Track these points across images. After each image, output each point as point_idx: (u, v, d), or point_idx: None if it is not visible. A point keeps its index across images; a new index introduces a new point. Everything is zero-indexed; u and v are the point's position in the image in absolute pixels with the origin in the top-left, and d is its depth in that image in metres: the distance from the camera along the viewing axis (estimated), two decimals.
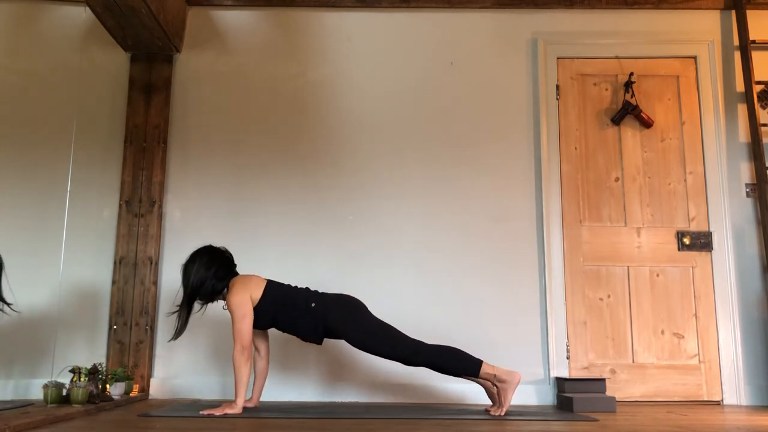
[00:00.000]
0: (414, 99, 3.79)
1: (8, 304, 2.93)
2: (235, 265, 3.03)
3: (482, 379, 2.86)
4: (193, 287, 2.89)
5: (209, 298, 2.95)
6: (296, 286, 3.02)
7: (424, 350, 2.85)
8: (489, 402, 3.18)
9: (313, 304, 2.91)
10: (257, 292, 2.90)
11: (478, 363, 2.83)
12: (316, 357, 3.51)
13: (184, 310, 2.91)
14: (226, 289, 2.94)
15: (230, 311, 2.86)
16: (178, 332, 2.91)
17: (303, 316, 2.90)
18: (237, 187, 3.70)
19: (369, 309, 2.98)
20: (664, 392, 3.48)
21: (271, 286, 2.94)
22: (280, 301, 2.91)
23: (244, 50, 3.85)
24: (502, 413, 2.80)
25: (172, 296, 3.55)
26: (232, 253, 3.06)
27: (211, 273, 2.90)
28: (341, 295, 3.02)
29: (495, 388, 2.86)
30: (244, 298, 2.86)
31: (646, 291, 3.59)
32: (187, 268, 2.93)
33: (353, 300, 2.99)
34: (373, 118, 3.77)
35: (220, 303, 3.04)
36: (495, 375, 2.82)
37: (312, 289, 3.03)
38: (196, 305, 2.96)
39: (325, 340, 3.08)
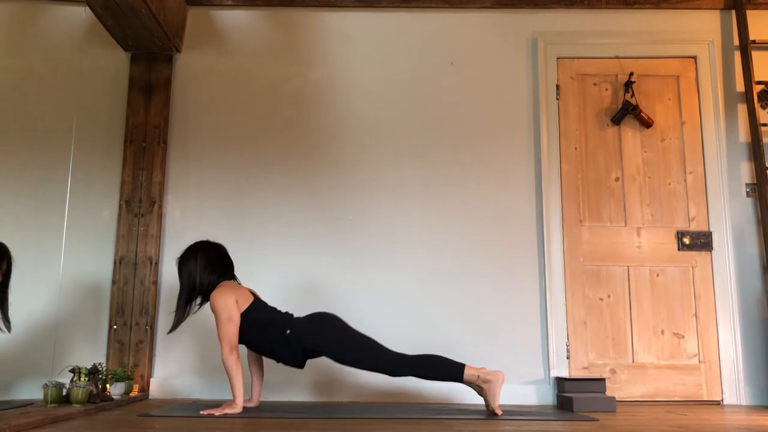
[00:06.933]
0: (414, 99, 3.79)
1: (8, 323, 2.96)
2: (232, 267, 3.03)
3: (468, 382, 2.85)
4: (195, 284, 2.92)
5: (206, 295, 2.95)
6: (278, 310, 2.98)
7: (405, 362, 2.85)
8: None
9: (288, 331, 2.87)
10: (242, 304, 2.88)
11: (461, 367, 2.83)
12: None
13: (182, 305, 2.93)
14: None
15: (214, 312, 2.84)
16: (175, 325, 2.93)
17: (279, 343, 2.88)
18: (237, 186, 3.70)
19: (347, 322, 2.95)
20: (664, 392, 3.48)
21: (256, 305, 2.92)
22: (259, 323, 2.88)
23: (244, 50, 3.85)
24: (499, 412, 2.79)
25: (172, 296, 3.56)
26: (233, 254, 3.06)
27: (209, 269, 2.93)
28: (315, 314, 2.99)
29: (480, 388, 2.85)
30: (230, 301, 2.84)
31: (646, 291, 3.59)
32: (187, 263, 2.95)
33: (329, 316, 2.96)
34: (373, 118, 3.77)
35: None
36: (479, 376, 2.82)
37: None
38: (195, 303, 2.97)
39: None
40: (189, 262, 2.93)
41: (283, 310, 3.02)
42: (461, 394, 3.41)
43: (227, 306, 2.83)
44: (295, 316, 2.99)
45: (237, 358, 2.80)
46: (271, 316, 2.92)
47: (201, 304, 3.01)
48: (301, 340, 2.88)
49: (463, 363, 2.86)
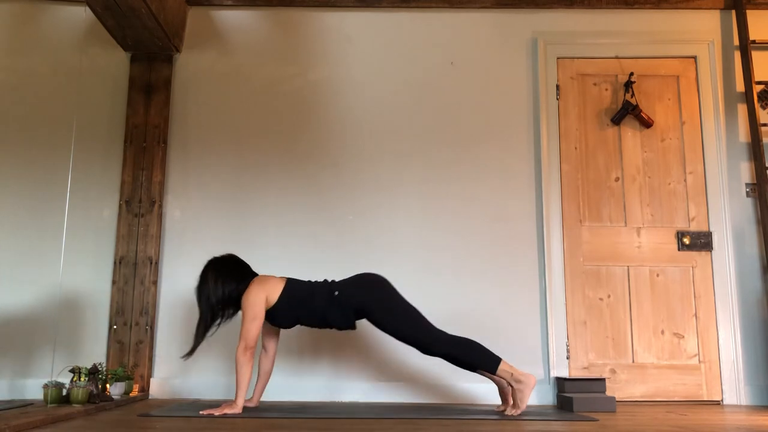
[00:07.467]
0: (414, 99, 3.79)
1: None
2: (248, 267, 3.02)
3: (499, 377, 2.86)
4: (213, 304, 2.89)
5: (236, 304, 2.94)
6: (315, 281, 2.99)
7: (445, 338, 2.83)
8: (496, 402, 3.20)
9: (336, 293, 2.89)
10: (275, 293, 2.88)
11: (497, 360, 2.82)
12: (317, 356, 3.50)
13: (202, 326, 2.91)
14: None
15: (243, 309, 2.85)
16: (191, 351, 2.89)
17: (329, 307, 2.88)
18: (237, 186, 3.70)
19: (394, 287, 2.95)
20: (664, 392, 3.48)
21: (291, 285, 2.92)
22: (301, 299, 2.89)
23: (244, 50, 3.85)
24: (517, 413, 2.79)
25: (172, 296, 3.56)
26: (233, 253, 3.06)
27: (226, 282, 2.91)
28: (363, 274, 3.00)
29: (509, 388, 2.86)
30: (259, 299, 2.85)
31: (646, 291, 3.59)
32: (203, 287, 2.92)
33: (376, 278, 2.96)
34: (373, 118, 3.77)
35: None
36: (512, 374, 2.81)
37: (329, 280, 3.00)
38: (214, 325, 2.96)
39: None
40: (204, 286, 2.91)
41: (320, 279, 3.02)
42: (461, 394, 3.41)
43: (254, 305, 2.83)
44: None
45: (249, 359, 2.80)
46: (313, 288, 2.93)
47: (233, 314, 2.98)
48: (351, 299, 2.88)
49: (501, 357, 2.85)
